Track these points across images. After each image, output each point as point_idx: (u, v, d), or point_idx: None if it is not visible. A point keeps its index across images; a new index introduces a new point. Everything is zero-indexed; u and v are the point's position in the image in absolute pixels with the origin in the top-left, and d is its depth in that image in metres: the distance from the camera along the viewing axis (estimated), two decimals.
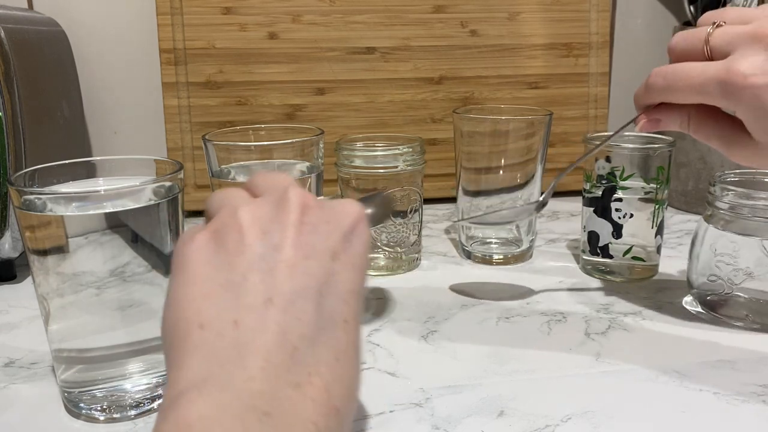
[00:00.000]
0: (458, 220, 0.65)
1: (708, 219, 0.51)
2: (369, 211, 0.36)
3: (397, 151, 0.58)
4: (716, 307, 0.51)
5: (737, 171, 0.52)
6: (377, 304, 0.55)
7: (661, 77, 0.39)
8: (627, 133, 0.60)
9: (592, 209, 0.58)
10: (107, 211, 0.37)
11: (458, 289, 0.57)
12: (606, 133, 0.52)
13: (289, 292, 0.26)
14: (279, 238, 0.28)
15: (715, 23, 0.38)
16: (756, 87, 0.35)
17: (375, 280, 0.60)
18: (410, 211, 0.60)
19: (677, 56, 0.40)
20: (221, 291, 0.27)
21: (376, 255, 0.61)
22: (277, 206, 0.29)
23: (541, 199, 0.52)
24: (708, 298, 0.51)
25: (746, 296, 0.49)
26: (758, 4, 0.72)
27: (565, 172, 0.50)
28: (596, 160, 0.57)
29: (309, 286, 0.27)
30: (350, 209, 0.30)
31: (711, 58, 0.37)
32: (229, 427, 0.23)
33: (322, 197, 0.33)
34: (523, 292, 0.57)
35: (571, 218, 0.76)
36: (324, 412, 0.25)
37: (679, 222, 0.75)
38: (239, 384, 0.24)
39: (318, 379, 0.26)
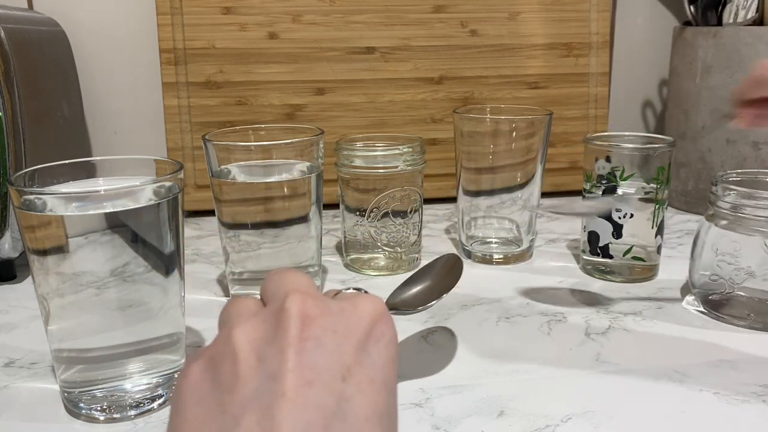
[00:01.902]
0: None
1: (710, 218, 0.51)
2: (420, 287, 0.32)
3: (397, 151, 0.58)
4: (718, 306, 0.51)
5: (739, 171, 0.52)
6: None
7: None
8: (627, 134, 0.60)
9: None
10: (107, 211, 0.37)
11: (458, 289, 0.57)
12: (599, 133, 0.50)
13: None
14: (276, 364, 0.23)
15: None
16: None
17: (375, 280, 0.60)
18: (410, 211, 0.60)
19: None
20: None
21: (376, 255, 0.61)
22: (275, 321, 0.25)
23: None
24: (710, 297, 0.51)
25: (748, 296, 0.49)
26: (758, 5, 0.72)
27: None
28: (596, 160, 0.57)
29: (313, 422, 0.22)
30: (364, 308, 0.26)
31: None
32: None
33: (343, 291, 0.29)
34: (523, 292, 0.57)
35: (571, 218, 0.76)
36: None
37: (679, 222, 0.75)
38: None
39: None
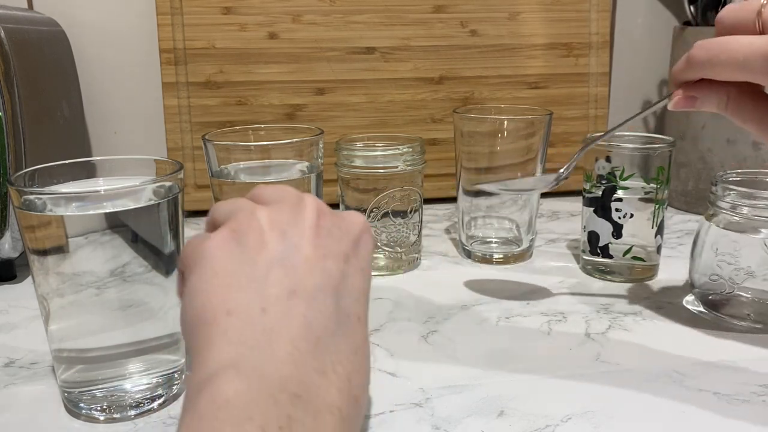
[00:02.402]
0: (478, 185, 0.61)
1: (709, 218, 0.51)
2: None
3: (397, 151, 0.58)
4: (718, 306, 0.51)
5: (739, 171, 0.52)
6: (377, 304, 0.55)
7: (704, 50, 0.36)
8: (627, 133, 0.60)
9: (592, 209, 0.58)
10: (107, 211, 0.37)
11: (458, 289, 0.57)
12: (599, 133, 0.51)
13: (311, 287, 0.28)
14: (298, 238, 0.29)
15: None
16: None
17: (375, 280, 0.60)
18: (410, 211, 0.60)
19: (725, 29, 0.36)
20: (246, 282, 0.28)
21: (376, 255, 0.61)
22: (293, 211, 0.31)
23: (561, 171, 0.50)
24: (710, 297, 0.51)
25: (748, 296, 0.49)
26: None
27: (588, 147, 0.49)
28: (596, 160, 0.57)
29: (328, 283, 0.29)
30: (357, 219, 0.33)
31: (763, 33, 0.34)
32: (264, 404, 0.24)
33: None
34: (523, 292, 0.57)
35: (571, 218, 0.76)
36: (347, 399, 0.27)
37: (679, 222, 0.74)
38: (270, 366, 0.26)
39: (341, 368, 0.27)
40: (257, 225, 0.29)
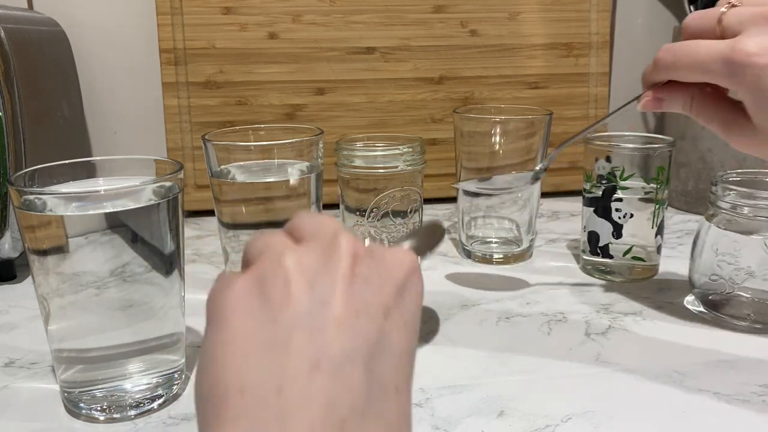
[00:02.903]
0: (456, 184, 0.62)
1: (710, 218, 0.51)
2: (416, 244, 0.34)
3: (397, 151, 0.58)
4: (718, 306, 0.51)
5: (739, 171, 0.52)
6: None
7: (669, 53, 0.38)
8: (627, 133, 0.60)
9: (592, 209, 0.58)
10: (107, 211, 0.37)
11: (458, 289, 0.57)
12: (599, 133, 0.52)
13: (338, 355, 0.24)
14: (328, 292, 0.25)
15: (730, 3, 0.37)
16: (758, 66, 0.34)
17: None
18: (410, 211, 0.60)
19: (690, 35, 0.39)
20: (264, 350, 0.24)
21: None
22: (325, 254, 0.26)
23: (537, 168, 0.52)
24: (710, 297, 0.51)
25: (748, 296, 0.49)
26: None
27: (566, 144, 0.49)
28: (596, 160, 0.57)
29: (359, 348, 0.24)
30: (403, 259, 0.28)
31: (722, 38, 0.36)
32: None
33: (367, 240, 0.31)
34: (523, 292, 0.57)
35: (571, 218, 0.76)
36: None
37: (679, 222, 0.74)
38: None
39: None
40: (283, 272, 0.25)
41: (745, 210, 0.48)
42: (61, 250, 0.37)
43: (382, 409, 0.24)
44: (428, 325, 0.51)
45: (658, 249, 0.58)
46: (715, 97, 0.39)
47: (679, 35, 0.69)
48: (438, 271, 0.62)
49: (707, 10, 0.38)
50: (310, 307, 0.24)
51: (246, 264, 0.29)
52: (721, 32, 0.37)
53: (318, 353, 0.24)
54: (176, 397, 0.41)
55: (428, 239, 0.38)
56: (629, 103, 0.43)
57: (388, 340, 0.25)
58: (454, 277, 0.60)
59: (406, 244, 0.35)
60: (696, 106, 0.40)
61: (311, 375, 0.23)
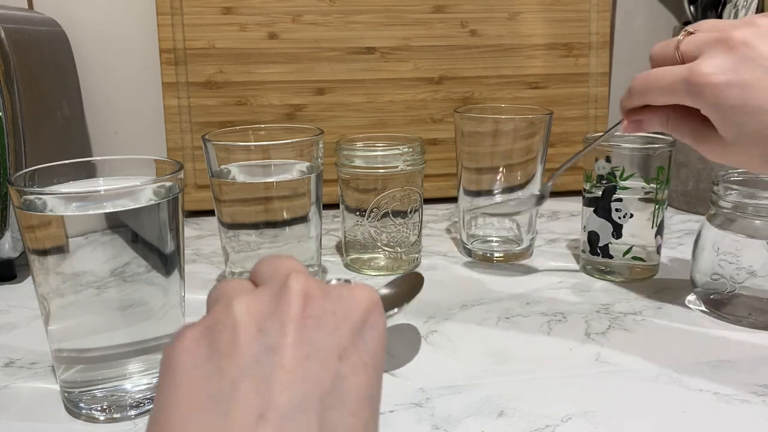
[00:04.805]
0: (471, 210, 0.65)
1: (711, 218, 0.51)
2: (385, 292, 0.33)
3: (397, 151, 0.58)
4: (719, 306, 0.51)
5: (740, 171, 0.52)
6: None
7: (640, 82, 0.43)
8: (627, 134, 0.60)
9: (592, 209, 0.58)
10: (107, 211, 0.37)
11: (458, 289, 0.57)
12: (599, 133, 0.54)
13: (285, 405, 0.22)
14: (277, 337, 0.24)
15: (686, 31, 0.41)
16: (714, 85, 0.38)
17: (375, 280, 0.60)
18: (410, 211, 0.60)
19: (655, 63, 0.43)
20: (209, 404, 0.23)
21: (376, 255, 0.61)
22: (276, 297, 0.25)
23: (537, 192, 0.55)
24: (711, 297, 0.51)
25: (749, 295, 0.49)
26: (757, 5, 0.72)
27: (562, 169, 0.53)
28: (596, 160, 0.57)
29: (310, 395, 0.23)
30: (361, 296, 0.27)
31: (683, 63, 0.40)
32: None
33: (331, 280, 0.31)
34: (523, 292, 0.57)
35: (571, 218, 0.76)
36: None
37: (679, 222, 0.75)
38: None
39: None
40: (231, 319, 0.24)
41: (747, 210, 0.48)
42: (61, 250, 0.37)
43: None
44: (427, 326, 0.51)
45: (658, 249, 0.58)
46: (687, 114, 0.42)
47: (679, 35, 0.71)
48: (438, 271, 0.62)
49: (667, 41, 0.42)
50: (257, 354, 0.23)
51: (208, 306, 0.28)
52: (681, 58, 0.41)
53: (264, 404, 0.22)
54: None
55: (407, 289, 0.38)
56: (614, 127, 0.47)
57: (345, 384, 0.24)
58: (453, 277, 0.60)
59: (383, 291, 0.35)
60: (672, 124, 0.43)
61: (256, 428, 0.22)
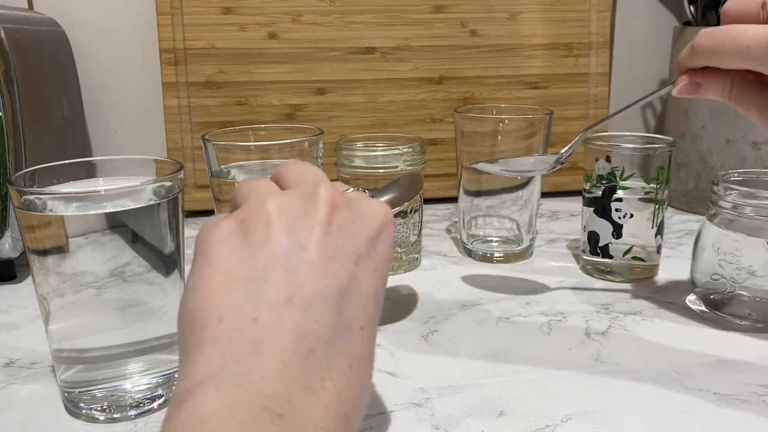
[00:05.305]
0: (475, 164, 0.56)
1: (711, 218, 0.51)
2: (392, 196, 0.36)
3: (397, 151, 0.58)
4: (719, 306, 0.51)
5: (740, 170, 0.52)
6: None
7: (709, 38, 0.37)
8: (627, 134, 0.60)
9: (592, 209, 0.58)
10: (107, 211, 0.37)
11: (458, 289, 0.57)
12: (606, 133, 0.52)
13: (310, 293, 0.26)
14: (305, 236, 0.27)
15: None
16: None
17: None
18: (410, 211, 0.60)
19: (730, 19, 0.37)
20: (243, 284, 0.26)
21: None
22: (305, 201, 0.29)
23: (562, 152, 0.50)
24: (711, 297, 0.51)
25: (749, 295, 0.49)
26: None
27: (596, 126, 0.48)
28: (596, 160, 0.57)
29: (330, 289, 0.27)
30: (378, 211, 0.30)
31: (767, 23, 0.35)
32: (244, 424, 0.23)
33: (349, 190, 0.34)
34: (523, 292, 0.57)
35: (571, 218, 0.76)
36: (334, 418, 0.25)
37: (679, 222, 0.74)
38: (255, 382, 0.24)
39: (331, 385, 0.26)
40: (265, 215, 0.28)
41: (747, 210, 0.48)
42: (61, 250, 0.37)
43: (348, 344, 0.27)
44: (427, 326, 0.51)
45: (658, 249, 0.58)
46: (756, 83, 0.37)
47: (679, 36, 0.69)
48: (438, 271, 0.62)
49: None
50: (288, 248, 0.27)
51: (233, 206, 0.31)
52: (766, 17, 0.35)
53: (292, 290, 0.26)
54: None
55: (406, 191, 0.39)
56: (664, 88, 0.42)
57: (358, 284, 0.28)
58: (453, 277, 0.60)
59: (386, 196, 0.37)
60: (735, 93, 0.38)
61: (285, 308, 0.26)
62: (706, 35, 0.37)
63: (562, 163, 0.51)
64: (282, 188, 0.31)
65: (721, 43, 0.36)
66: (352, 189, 0.34)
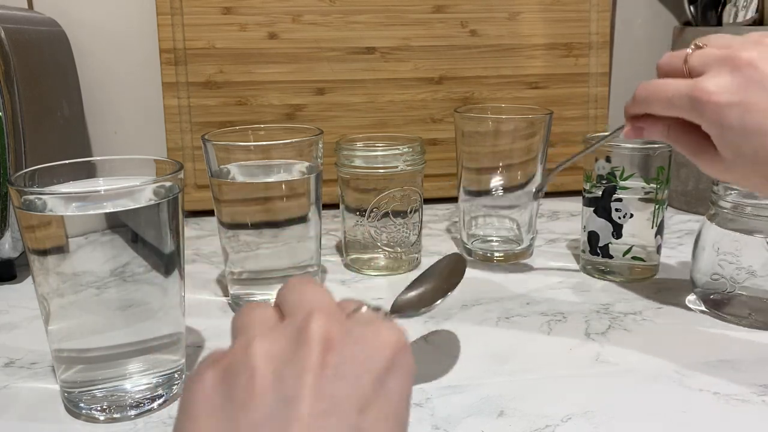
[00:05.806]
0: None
1: (711, 218, 0.51)
2: (422, 289, 0.31)
3: (397, 151, 0.58)
4: (719, 305, 0.51)
5: None
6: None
7: (644, 90, 0.43)
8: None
9: (592, 209, 0.58)
10: (107, 211, 0.37)
11: (458, 289, 0.57)
12: (604, 133, 0.54)
13: None
14: (294, 388, 0.23)
15: (696, 45, 0.41)
16: (718, 104, 0.38)
17: (375, 280, 0.60)
18: (410, 211, 0.60)
19: (663, 73, 0.43)
20: None
21: (376, 255, 0.61)
22: (296, 340, 0.24)
23: (536, 185, 0.56)
24: (711, 297, 0.51)
25: (749, 295, 0.49)
26: (757, 5, 0.72)
27: (560, 167, 0.54)
28: (596, 160, 0.57)
29: None
30: (387, 339, 0.25)
31: (689, 77, 0.40)
32: None
33: (362, 309, 0.28)
34: (523, 292, 0.57)
35: (571, 218, 0.76)
36: None
37: (679, 222, 0.75)
38: None
39: None
40: (249, 363, 0.23)
41: (747, 209, 0.48)
42: (61, 250, 0.37)
43: None
44: (427, 326, 0.51)
45: (658, 249, 0.58)
46: (687, 128, 0.42)
47: (679, 36, 0.72)
48: None
49: (677, 52, 0.42)
50: (273, 405, 0.22)
51: (232, 335, 0.27)
52: (688, 72, 0.40)
53: None
54: (176, 397, 0.41)
55: (447, 275, 0.38)
56: (616, 131, 0.48)
57: None
58: None
59: (415, 290, 0.34)
60: (671, 135, 0.43)
61: None
62: (642, 88, 0.43)
63: (540, 192, 0.59)
64: (281, 312, 0.27)
65: (652, 94, 0.42)
66: (365, 307, 0.28)
